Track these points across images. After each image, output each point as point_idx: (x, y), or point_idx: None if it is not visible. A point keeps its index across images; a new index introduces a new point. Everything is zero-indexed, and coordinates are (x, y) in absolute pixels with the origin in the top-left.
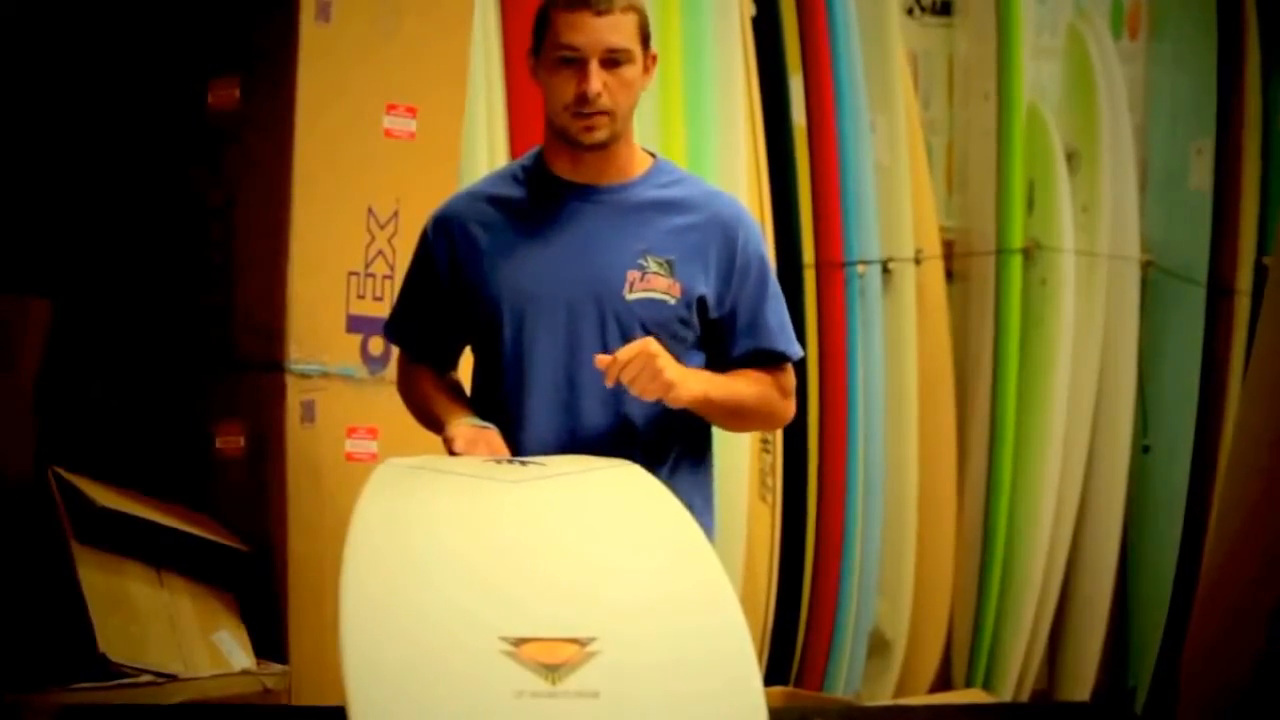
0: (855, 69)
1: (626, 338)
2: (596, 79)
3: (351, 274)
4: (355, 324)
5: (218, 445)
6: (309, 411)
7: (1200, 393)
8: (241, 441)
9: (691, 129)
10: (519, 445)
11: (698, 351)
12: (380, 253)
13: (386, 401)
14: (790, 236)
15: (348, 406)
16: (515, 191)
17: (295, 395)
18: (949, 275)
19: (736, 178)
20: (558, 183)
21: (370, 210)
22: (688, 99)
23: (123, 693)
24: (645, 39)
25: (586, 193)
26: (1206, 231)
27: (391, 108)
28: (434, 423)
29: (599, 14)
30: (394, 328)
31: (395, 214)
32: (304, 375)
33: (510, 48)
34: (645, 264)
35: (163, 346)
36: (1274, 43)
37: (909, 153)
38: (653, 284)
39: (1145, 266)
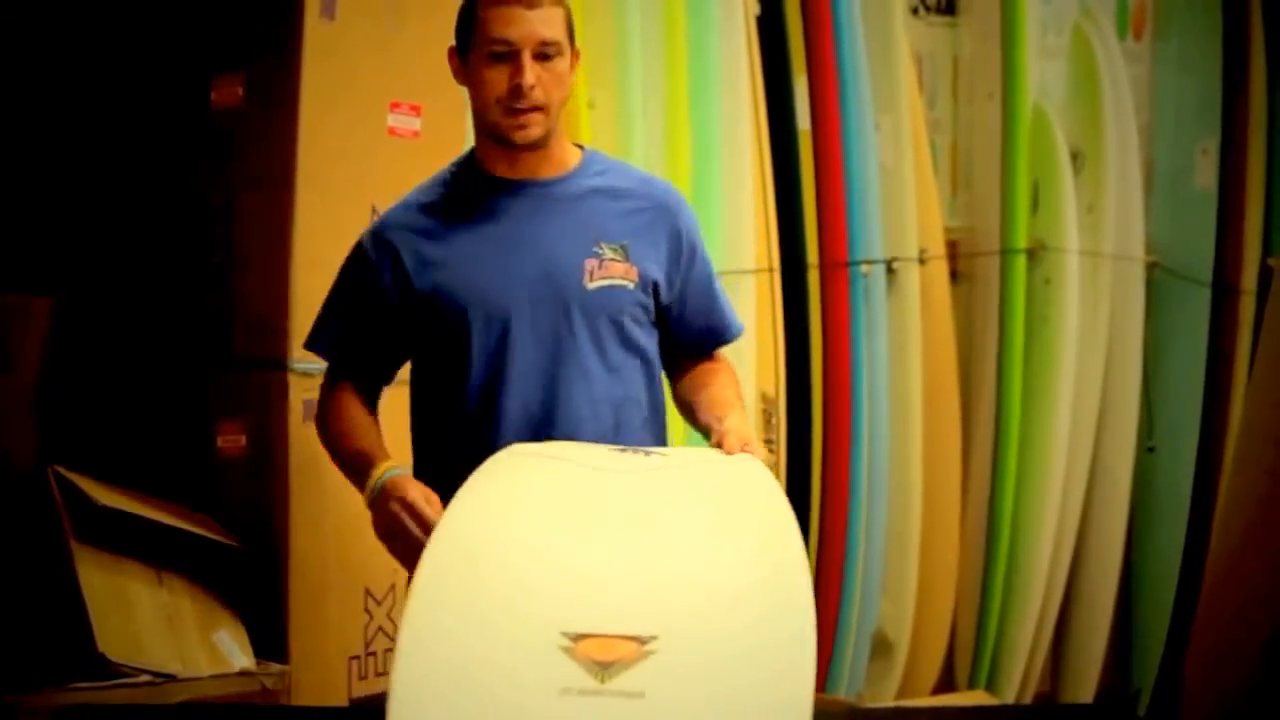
0: (860, 69)
1: (592, 327)
2: (530, 71)
3: None
4: None
5: (219, 444)
6: (311, 410)
7: (1205, 393)
8: (243, 440)
9: (696, 129)
10: (492, 444)
11: (654, 329)
12: None
13: (387, 401)
14: (795, 236)
15: None
16: (452, 197)
17: (297, 394)
18: (953, 275)
19: (741, 178)
20: (496, 182)
21: (374, 208)
22: (693, 99)
23: (121, 693)
24: (571, 33)
25: (527, 188)
26: (1211, 231)
27: (395, 106)
28: (354, 459)
29: (530, 6)
30: (323, 343)
31: None
32: (306, 374)
33: None
34: (600, 251)
35: (164, 344)
36: (1279, 43)
37: (913, 153)
38: (611, 270)
39: (1150, 267)
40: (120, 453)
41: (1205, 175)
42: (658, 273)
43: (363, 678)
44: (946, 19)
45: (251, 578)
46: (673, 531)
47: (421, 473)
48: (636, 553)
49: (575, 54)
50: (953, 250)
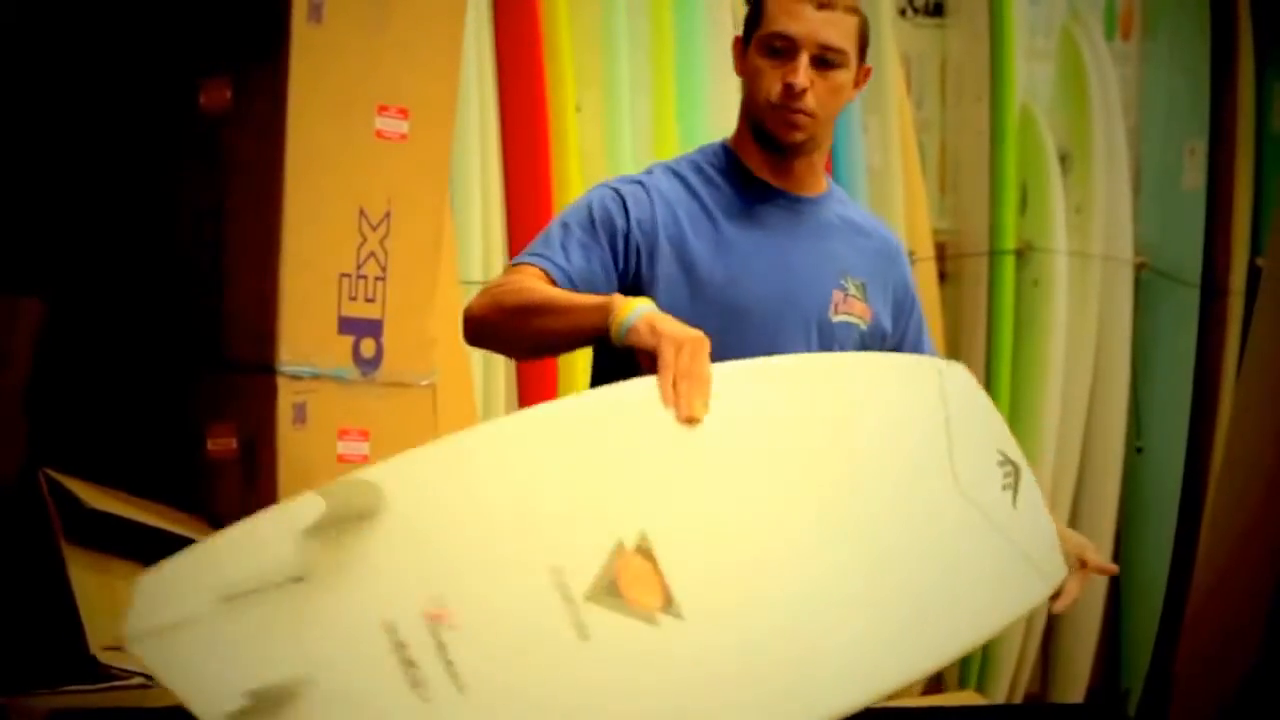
0: None
1: None
2: (805, 73)
3: (343, 275)
4: (347, 325)
5: (209, 447)
6: (300, 413)
7: (1193, 394)
8: (233, 443)
9: (684, 130)
10: None
11: None
12: (372, 254)
13: (378, 403)
14: None
15: (339, 409)
16: (712, 184)
17: (287, 397)
18: (941, 276)
19: None
20: (759, 184)
21: (362, 211)
22: (680, 100)
23: (112, 695)
24: (863, 48)
25: (788, 200)
26: (1199, 232)
27: (383, 109)
28: (562, 311)
29: (820, 6)
30: (551, 260)
31: (387, 215)
32: (295, 377)
33: (502, 49)
34: (846, 285)
35: (154, 348)
36: (1266, 44)
37: (901, 154)
38: (852, 308)
39: (1138, 267)
40: (111, 455)
41: (1193, 176)
42: (885, 319)
43: None
44: (934, 20)
45: None
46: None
47: None
48: None
49: (865, 71)
50: (941, 251)
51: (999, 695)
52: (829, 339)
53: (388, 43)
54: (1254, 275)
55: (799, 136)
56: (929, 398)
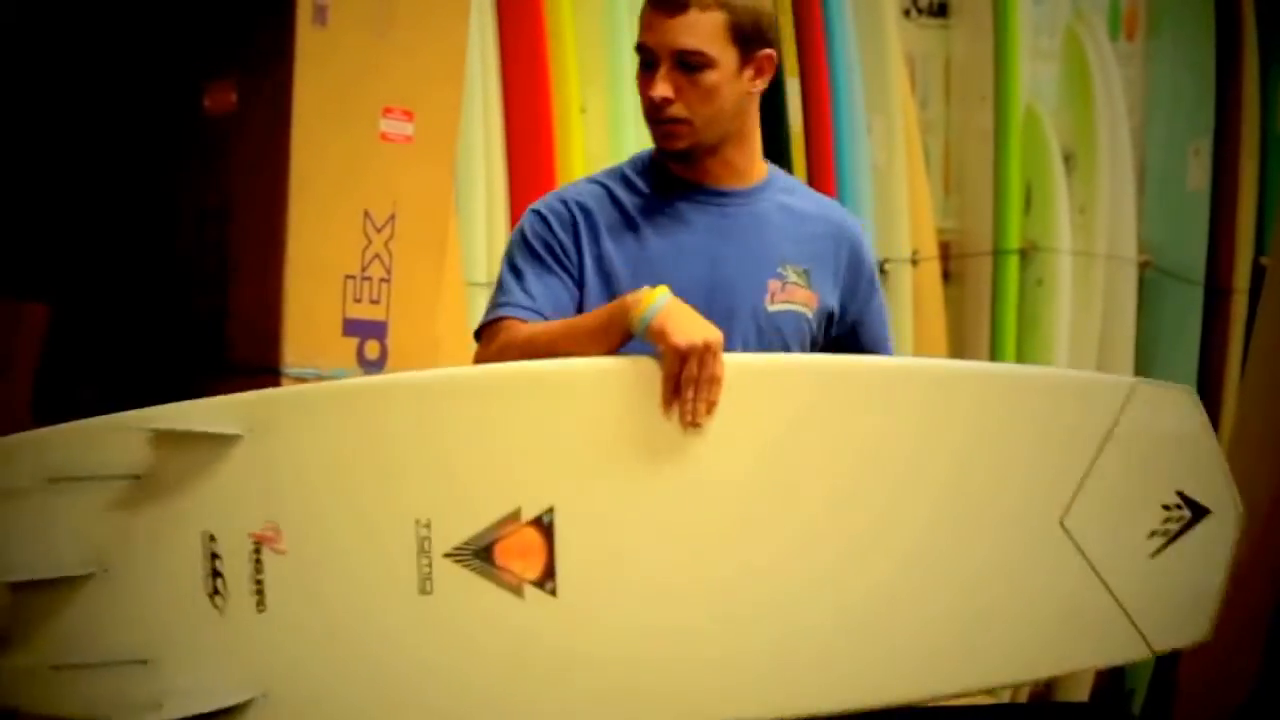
0: (852, 71)
1: (764, 349)
2: (662, 84)
3: (348, 277)
4: (351, 327)
5: None
6: None
7: (1199, 393)
8: None
9: None
10: None
11: None
12: (377, 256)
13: None
14: None
15: None
16: (635, 191)
17: None
18: (946, 276)
19: None
20: (682, 184)
21: (367, 214)
22: None
23: None
24: (741, 39)
25: (714, 196)
26: (1204, 232)
27: (388, 111)
28: (596, 317)
29: (670, 14)
30: (503, 305)
31: (392, 217)
32: (300, 379)
33: (506, 51)
34: (785, 274)
35: (159, 350)
36: (1271, 43)
37: (906, 154)
38: (793, 295)
39: (1142, 267)
40: None
41: (1197, 176)
42: (834, 303)
43: None
44: (938, 21)
45: None
46: None
47: None
48: None
49: (760, 58)
50: (945, 251)
51: (1004, 693)
52: (768, 329)
53: (392, 45)
54: (1258, 274)
55: (679, 145)
56: (1087, 421)
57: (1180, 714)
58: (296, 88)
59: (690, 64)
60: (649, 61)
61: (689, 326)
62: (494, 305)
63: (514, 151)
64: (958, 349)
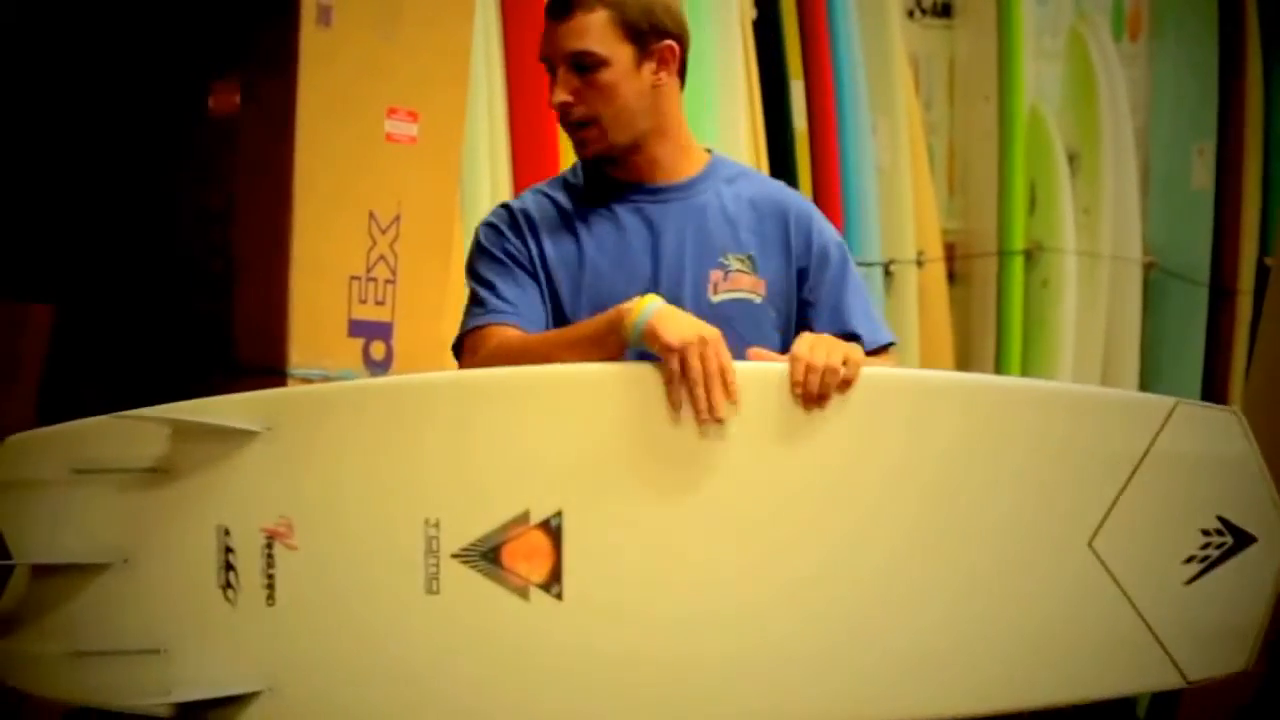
0: (856, 72)
1: None
2: (560, 89)
3: (353, 278)
4: (357, 328)
5: None
6: None
7: (1202, 392)
8: None
9: (694, 132)
10: None
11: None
12: (382, 257)
13: None
14: None
15: None
16: (574, 197)
17: None
18: (951, 277)
19: None
20: (617, 184)
21: (372, 214)
22: (690, 102)
23: None
24: (634, 33)
25: (649, 192)
26: (1208, 232)
27: (392, 112)
28: (588, 326)
29: (558, 20)
30: (478, 314)
31: (397, 218)
32: (305, 380)
33: (511, 51)
34: (727, 263)
35: (164, 351)
36: (1274, 44)
37: (910, 155)
38: (737, 283)
39: (1147, 267)
40: None
41: (1201, 176)
42: (791, 284)
43: None
44: (942, 21)
45: None
46: None
47: None
48: None
49: (659, 51)
50: (950, 252)
51: None
52: (714, 321)
53: (397, 46)
54: (1262, 274)
55: (593, 149)
56: (1122, 440)
57: (1185, 715)
58: (301, 89)
59: (583, 65)
60: (552, 72)
61: (681, 326)
62: (471, 316)
63: (518, 152)
64: (963, 350)
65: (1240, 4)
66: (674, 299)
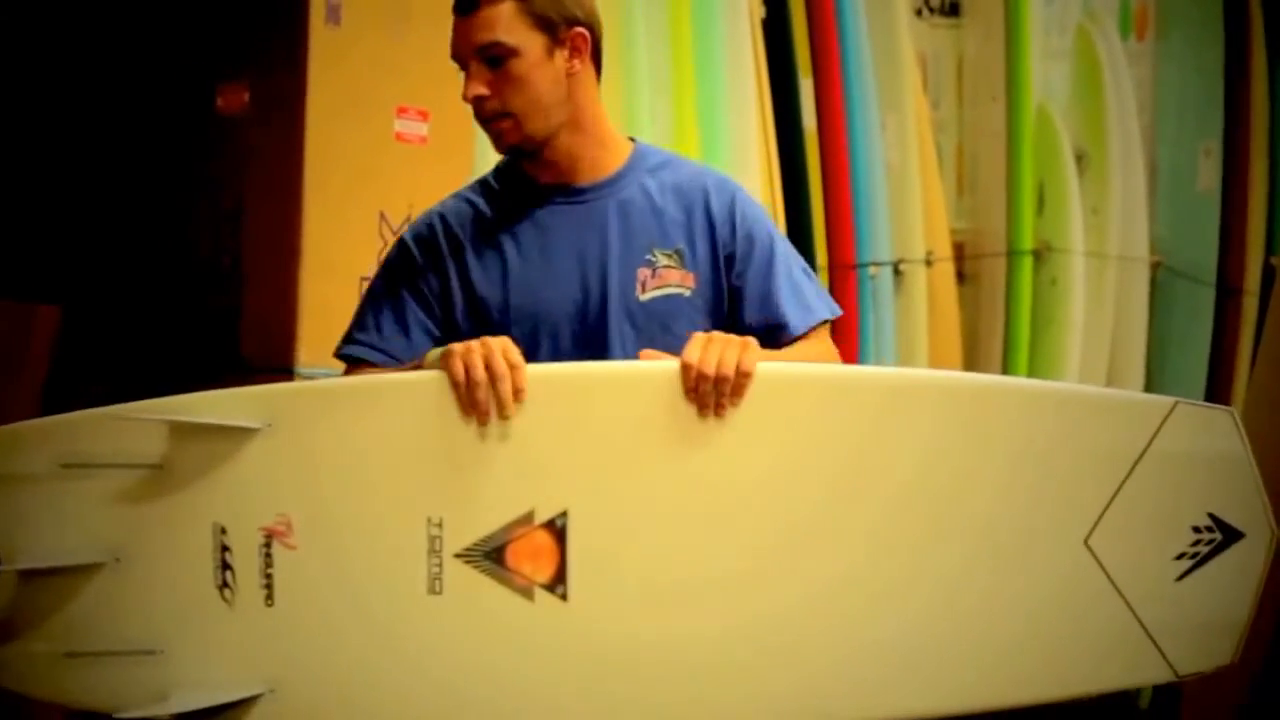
0: (865, 71)
1: (648, 340)
2: (473, 83)
3: (363, 278)
4: None
5: None
6: None
7: (1208, 392)
8: None
9: (704, 132)
10: None
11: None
12: None
13: None
14: (802, 238)
15: None
16: (494, 200)
17: None
18: (960, 277)
19: (749, 180)
20: (536, 187)
21: (382, 214)
22: (699, 102)
23: None
24: (543, 22)
25: (571, 193)
26: (1215, 232)
27: (402, 111)
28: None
29: (465, 15)
30: (354, 341)
31: (407, 218)
32: (313, 379)
33: None
34: (654, 259)
35: (172, 351)
36: None
37: (919, 154)
38: (665, 279)
39: (1154, 267)
40: None
41: (1208, 176)
42: (714, 271)
43: None
44: (950, 20)
45: None
46: None
47: None
48: None
49: (571, 36)
50: (959, 252)
51: None
52: (645, 320)
53: (407, 45)
54: (1269, 274)
55: (509, 141)
56: (1122, 439)
57: (1188, 712)
58: (310, 88)
59: (493, 57)
60: (464, 67)
61: (462, 343)
62: (351, 331)
63: None
64: (972, 349)
65: (1247, 4)
66: (601, 300)
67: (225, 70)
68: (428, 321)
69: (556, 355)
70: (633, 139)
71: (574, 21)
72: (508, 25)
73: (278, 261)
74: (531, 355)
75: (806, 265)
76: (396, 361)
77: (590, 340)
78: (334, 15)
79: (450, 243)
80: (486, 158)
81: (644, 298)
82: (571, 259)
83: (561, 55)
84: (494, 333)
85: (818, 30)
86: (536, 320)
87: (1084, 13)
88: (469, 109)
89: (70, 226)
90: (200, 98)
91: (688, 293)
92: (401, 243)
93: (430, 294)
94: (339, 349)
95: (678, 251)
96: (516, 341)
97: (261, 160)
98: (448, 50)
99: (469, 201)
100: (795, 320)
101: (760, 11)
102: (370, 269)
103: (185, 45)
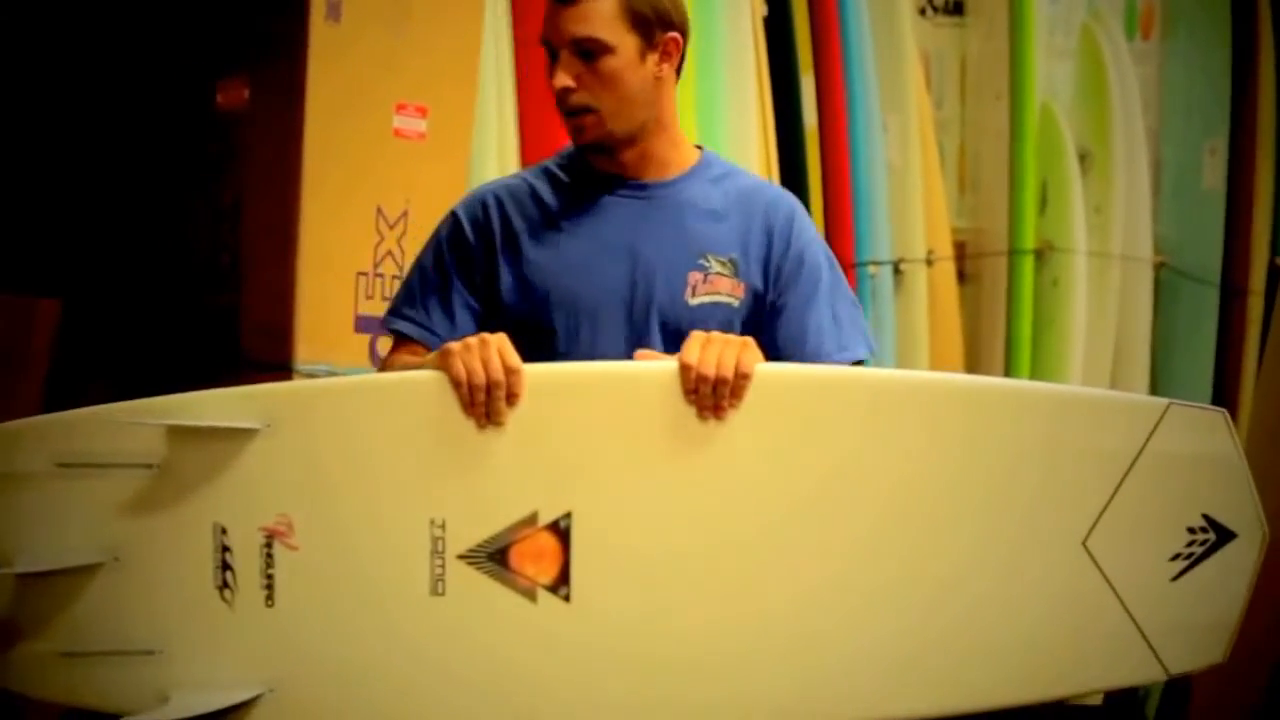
0: (867, 69)
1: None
2: (562, 73)
3: (360, 274)
4: (363, 324)
5: None
6: None
7: (1213, 393)
8: None
9: (703, 129)
10: None
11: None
12: (389, 253)
13: None
14: None
15: None
16: (556, 186)
17: None
18: (961, 276)
19: None
20: (600, 176)
21: (379, 210)
22: (700, 99)
23: None
24: (640, 23)
25: (635, 188)
26: (1219, 232)
27: (401, 107)
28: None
29: (564, 4)
30: (402, 315)
31: (404, 214)
32: (312, 375)
33: (520, 47)
34: (707, 264)
35: (171, 346)
36: None
37: (921, 153)
38: (716, 286)
39: (1158, 267)
40: None
41: (1213, 175)
42: (761, 285)
43: None
44: (954, 19)
45: None
46: None
47: None
48: None
49: (664, 42)
50: (960, 251)
51: None
52: (688, 323)
53: (406, 41)
54: (1274, 275)
55: (589, 137)
56: (1117, 441)
57: (1196, 716)
58: (309, 84)
59: (588, 51)
60: (553, 55)
61: (459, 341)
62: (399, 305)
63: (527, 148)
64: (973, 349)
65: (1253, 3)
66: (647, 297)
67: (225, 66)
68: (473, 300)
69: (595, 344)
70: (700, 147)
71: (669, 25)
72: (608, 22)
73: (276, 257)
74: (571, 341)
75: (856, 300)
76: (440, 341)
77: (629, 333)
78: (334, 12)
79: (503, 223)
80: (484, 154)
81: (693, 302)
82: (625, 251)
83: (653, 59)
84: (538, 314)
85: (819, 27)
86: (579, 305)
87: (1089, 12)
88: (468, 106)
89: (70, 221)
90: (200, 94)
91: (735, 303)
92: (454, 217)
93: (478, 273)
94: (386, 320)
95: (732, 260)
96: (554, 327)
97: (260, 155)
98: (446, 47)
99: (529, 184)
100: (828, 351)
101: (762, 8)
102: (367, 265)
103: (185, 41)
